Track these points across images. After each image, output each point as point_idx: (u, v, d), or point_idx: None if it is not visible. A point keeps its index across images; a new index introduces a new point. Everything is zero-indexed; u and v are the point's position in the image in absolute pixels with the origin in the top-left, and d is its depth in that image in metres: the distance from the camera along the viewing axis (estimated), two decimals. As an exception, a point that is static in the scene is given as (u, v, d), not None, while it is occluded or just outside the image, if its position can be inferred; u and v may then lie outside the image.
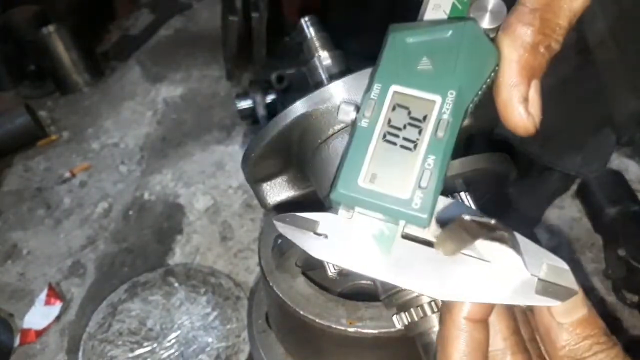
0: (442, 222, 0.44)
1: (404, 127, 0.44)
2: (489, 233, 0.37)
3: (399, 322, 0.51)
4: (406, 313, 0.50)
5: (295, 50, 1.97)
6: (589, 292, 1.17)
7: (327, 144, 0.55)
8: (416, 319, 0.49)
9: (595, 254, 1.26)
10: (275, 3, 1.87)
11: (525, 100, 0.42)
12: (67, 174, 1.70)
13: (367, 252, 0.44)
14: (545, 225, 1.32)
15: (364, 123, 0.45)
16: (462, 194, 0.56)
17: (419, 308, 0.49)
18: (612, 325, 1.11)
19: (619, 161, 1.45)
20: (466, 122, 0.52)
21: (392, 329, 0.62)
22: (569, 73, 1.08)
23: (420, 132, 0.43)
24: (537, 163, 1.25)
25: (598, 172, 1.30)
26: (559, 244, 1.29)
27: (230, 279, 1.29)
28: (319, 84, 0.61)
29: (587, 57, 1.10)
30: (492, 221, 0.34)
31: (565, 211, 1.36)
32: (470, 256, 0.42)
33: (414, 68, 0.45)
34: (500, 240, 0.39)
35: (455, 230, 0.37)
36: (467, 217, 0.35)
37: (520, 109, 0.42)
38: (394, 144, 0.44)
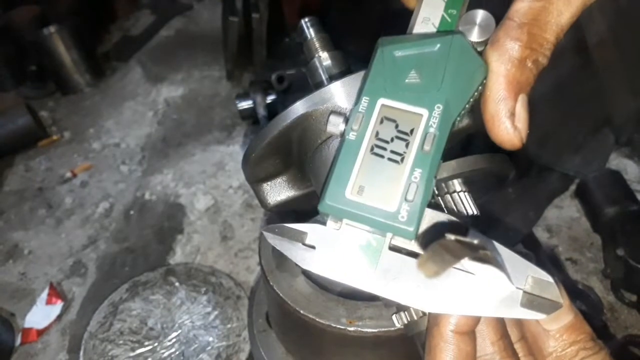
0: (428, 236, 0.45)
1: (392, 140, 0.44)
2: (472, 253, 0.38)
3: (399, 321, 0.51)
4: (406, 312, 0.50)
5: (296, 50, 1.98)
6: (589, 292, 1.17)
7: (327, 144, 0.55)
8: (415, 318, 0.49)
9: (594, 254, 1.26)
10: (275, 4, 1.87)
11: (512, 114, 0.43)
12: (69, 174, 1.71)
13: (354, 264, 0.45)
14: (545, 225, 1.33)
15: (351, 136, 0.45)
16: (462, 194, 0.56)
17: (418, 307, 0.49)
18: (611, 324, 1.11)
19: (617, 161, 1.45)
20: (465, 122, 0.52)
21: (392, 328, 0.62)
22: (568, 73, 1.08)
23: (407, 145, 0.44)
24: (536, 163, 1.26)
25: (597, 172, 1.31)
26: (558, 244, 1.30)
27: (231, 278, 1.30)
28: (319, 85, 0.61)
29: (586, 57, 1.11)
30: (475, 241, 0.35)
31: (564, 211, 1.37)
32: (457, 269, 0.43)
33: (402, 81, 0.45)
34: (484, 259, 0.39)
35: (437, 252, 0.37)
36: (449, 237, 0.35)
37: (507, 124, 0.43)
38: (382, 156, 0.44)
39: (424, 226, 0.45)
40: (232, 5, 1.83)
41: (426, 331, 0.46)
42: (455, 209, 0.54)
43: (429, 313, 0.46)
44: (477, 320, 0.43)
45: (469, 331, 0.43)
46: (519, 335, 0.47)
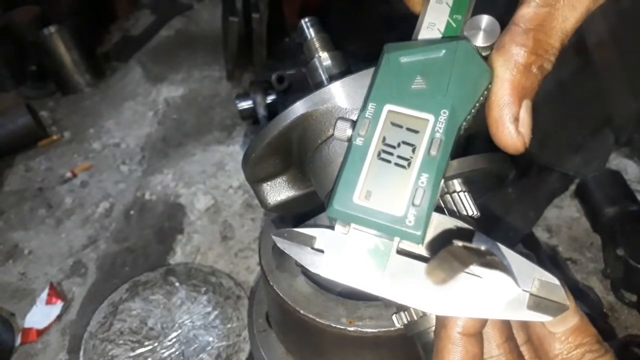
0: (435, 240, 0.45)
1: (398, 145, 0.45)
2: (480, 259, 0.38)
3: (399, 321, 0.51)
4: (406, 312, 0.50)
5: (296, 50, 1.98)
6: (589, 292, 1.17)
7: (327, 144, 0.55)
8: (415, 318, 0.49)
9: (594, 254, 1.26)
10: (275, 4, 1.87)
11: (516, 120, 0.43)
12: (69, 174, 1.71)
13: (363, 267, 0.45)
14: (545, 225, 1.33)
15: (359, 141, 0.46)
16: (462, 194, 0.56)
17: (418, 307, 0.49)
18: (611, 324, 1.11)
19: (617, 161, 1.45)
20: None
21: (392, 328, 0.62)
22: (568, 74, 1.08)
23: (414, 151, 0.44)
24: (536, 163, 1.26)
25: (597, 172, 1.31)
26: (558, 244, 1.30)
27: (231, 278, 1.30)
28: (319, 85, 0.62)
29: (587, 57, 1.11)
30: (482, 247, 0.35)
31: (564, 211, 1.37)
32: (464, 273, 0.43)
33: (408, 87, 0.46)
34: (491, 265, 0.39)
35: (445, 259, 0.38)
36: (457, 244, 0.35)
37: (511, 129, 0.43)
38: (389, 161, 0.45)
39: (431, 230, 0.45)
40: (232, 5, 1.83)
41: (434, 334, 0.47)
42: (455, 209, 0.54)
43: (437, 316, 0.46)
44: (484, 322, 0.43)
45: (476, 333, 0.43)
46: (525, 338, 0.47)
